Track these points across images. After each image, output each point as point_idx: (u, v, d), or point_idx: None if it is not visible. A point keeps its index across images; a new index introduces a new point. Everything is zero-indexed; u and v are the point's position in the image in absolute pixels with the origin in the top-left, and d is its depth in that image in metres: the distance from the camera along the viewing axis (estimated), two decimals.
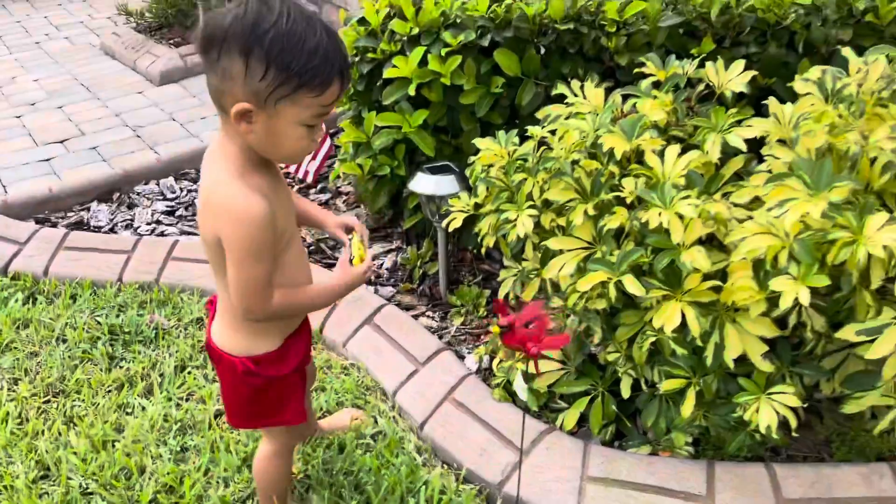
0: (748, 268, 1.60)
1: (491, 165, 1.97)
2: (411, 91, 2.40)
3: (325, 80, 1.24)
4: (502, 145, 1.98)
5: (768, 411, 1.66)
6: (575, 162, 1.88)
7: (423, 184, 2.37)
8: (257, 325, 1.53)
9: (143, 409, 2.25)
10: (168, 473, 2.01)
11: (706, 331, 1.69)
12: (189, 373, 2.38)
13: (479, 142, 2.01)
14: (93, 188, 3.35)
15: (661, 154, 1.82)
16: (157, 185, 3.43)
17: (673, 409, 1.90)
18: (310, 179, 3.10)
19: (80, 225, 3.18)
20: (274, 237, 1.36)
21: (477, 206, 2.06)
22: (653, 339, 1.72)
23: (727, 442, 1.89)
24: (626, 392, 1.90)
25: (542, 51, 2.33)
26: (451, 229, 2.08)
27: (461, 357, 2.33)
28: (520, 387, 1.72)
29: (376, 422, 2.16)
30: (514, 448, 1.97)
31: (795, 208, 1.45)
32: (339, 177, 2.99)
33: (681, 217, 1.66)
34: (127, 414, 2.24)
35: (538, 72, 2.34)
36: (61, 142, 4.07)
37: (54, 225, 3.18)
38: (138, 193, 3.38)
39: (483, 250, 2.14)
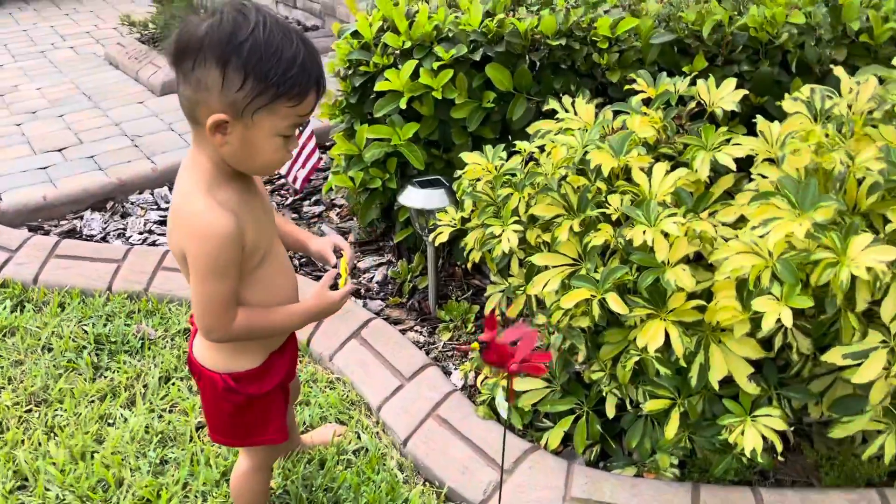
0: (732, 287, 1.58)
1: (478, 180, 1.95)
2: (402, 104, 2.39)
3: (302, 89, 1.23)
4: (489, 160, 1.97)
5: (753, 434, 1.63)
6: (563, 178, 1.86)
7: (413, 197, 2.35)
8: (238, 344, 1.51)
9: (125, 420, 2.23)
10: (146, 486, 1.98)
11: (691, 351, 1.67)
12: (173, 384, 2.36)
13: (465, 156, 2.00)
14: (88, 196, 3.35)
15: (650, 172, 1.80)
16: (152, 194, 3.42)
17: (658, 430, 1.87)
18: (298, 185, 3.09)
19: (72, 233, 3.18)
20: (240, 254, 1.34)
21: (464, 220, 2.04)
22: (636, 358, 1.69)
23: (713, 464, 1.85)
24: (610, 412, 1.87)
25: (535, 66, 2.31)
26: (437, 243, 2.06)
27: (448, 373, 2.31)
28: (501, 405, 1.69)
29: (359, 437, 2.13)
30: (497, 466, 1.94)
31: (779, 228, 1.43)
32: (332, 189, 2.97)
33: (666, 235, 1.64)
34: (109, 425, 2.22)
35: (530, 87, 2.33)
36: (60, 150, 4.07)
37: (47, 233, 3.17)
38: (132, 203, 3.37)
39: (470, 265, 2.12)
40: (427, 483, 1.98)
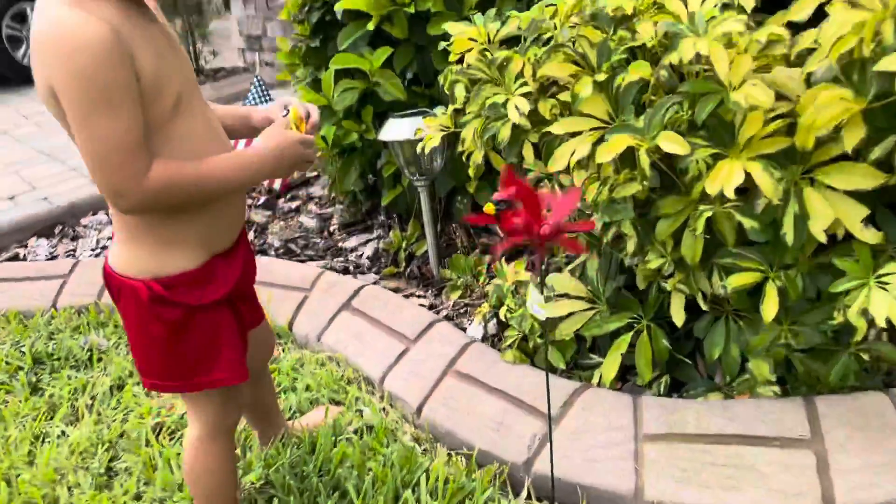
0: (828, 90, 1.16)
1: (468, 51, 1.56)
2: (371, 27, 2.02)
3: None
4: (480, 27, 1.58)
5: (882, 299, 1.19)
6: (573, 28, 1.47)
7: (396, 130, 1.96)
8: (166, 233, 1.09)
9: (66, 435, 1.76)
10: (87, 503, 1.51)
11: (779, 202, 1.24)
12: (127, 390, 1.90)
13: (450, 25, 1.61)
14: (34, 223, 2.95)
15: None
16: (107, 213, 3.02)
17: (746, 332, 1.42)
18: (277, 185, 2.72)
19: (14, 260, 2.76)
20: (130, 79, 0.95)
21: (457, 116, 1.64)
22: (708, 213, 1.26)
23: (826, 371, 1.39)
24: (678, 317, 1.43)
25: None
26: (427, 150, 1.65)
27: (462, 329, 1.86)
28: (535, 302, 1.25)
29: (361, 415, 1.67)
30: (539, 415, 1.48)
31: None
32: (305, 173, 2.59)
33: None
34: (44, 443, 1.75)
35: None
36: (10, 198, 3.69)
37: None
38: (84, 226, 2.96)
39: (474, 183, 1.70)
40: (452, 452, 1.51)
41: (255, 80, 3.07)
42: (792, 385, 1.45)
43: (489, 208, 1.13)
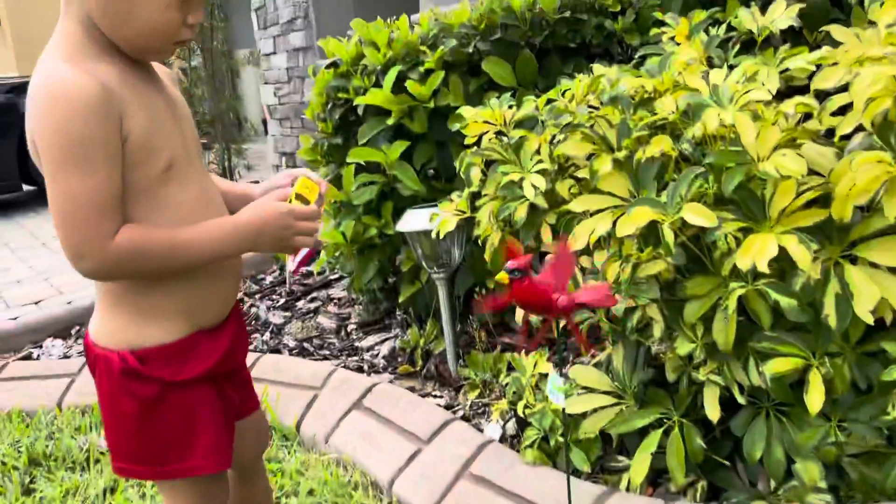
0: (866, 165, 1.08)
1: (485, 133, 1.52)
2: (390, 122, 2.02)
3: None
4: (496, 111, 1.55)
5: None
6: (591, 111, 1.43)
7: (413, 221, 1.91)
8: (145, 303, 1.02)
9: None
10: None
11: (817, 280, 1.14)
12: (118, 493, 1.78)
13: (464, 110, 1.58)
14: (50, 324, 2.92)
15: (706, 79, 1.37)
16: None
17: (790, 429, 1.27)
18: (291, 268, 2.66)
19: (27, 359, 2.70)
20: (114, 137, 0.91)
21: (473, 201, 1.58)
22: (740, 292, 1.15)
23: (881, 479, 1.23)
24: (713, 413, 1.29)
25: (539, 55, 1.97)
26: (442, 235, 1.59)
27: (480, 430, 1.72)
28: (554, 388, 1.14)
29: None
30: None
31: None
32: (323, 271, 2.55)
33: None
34: None
35: (535, 79, 1.97)
36: (36, 303, 3.70)
37: None
38: None
39: (489, 256, 1.62)
40: None
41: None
42: (845, 493, 1.29)
43: (502, 277, 1.05)
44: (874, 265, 1.14)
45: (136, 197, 0.96)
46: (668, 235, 1.17)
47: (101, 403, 1.06)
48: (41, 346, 2.81)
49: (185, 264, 0.99)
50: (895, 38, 1.02)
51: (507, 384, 1.67)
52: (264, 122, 7.03)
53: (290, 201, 1.05)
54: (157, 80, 1.04)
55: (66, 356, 2.71)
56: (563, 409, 1.22)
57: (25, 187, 6.75)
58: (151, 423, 1.03)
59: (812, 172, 1.21)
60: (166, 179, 0.99)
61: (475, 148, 1.55)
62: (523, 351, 1.74)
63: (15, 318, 3.14)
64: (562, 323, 1.16)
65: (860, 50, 1.09)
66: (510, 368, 1.92)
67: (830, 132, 1.26)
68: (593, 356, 1.68)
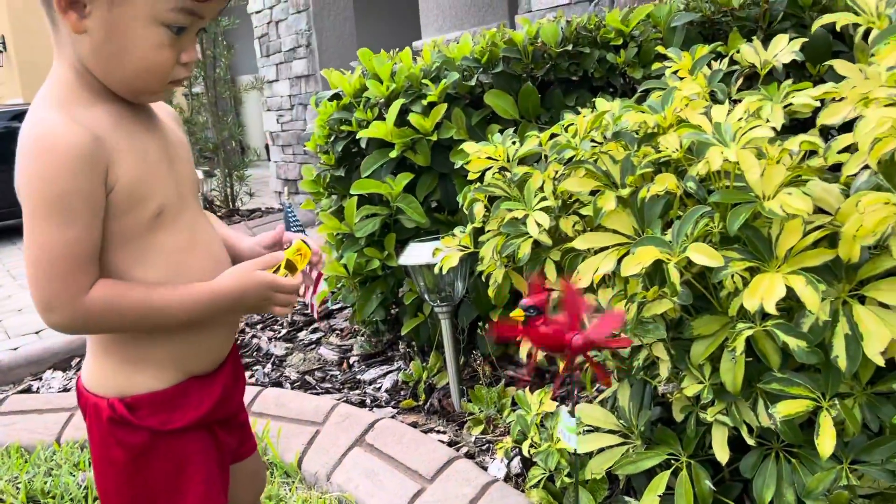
0: (873, 195, 1.07)
1: (488, 169, 1.52)
2: (394, 154, 2.02)
3: None
4: (499, 147, 1.54)
5: None
6: (595, 146, 1.43)
7: (416, 254, 1.90)
8: (136, 350, 1.00)
9: None
10: None
11: (826, 321, 1.12)
12: None
13: (467, 145, 1.57)
14: (50, 356, 2.90)
15: (708, 116, 1.36)
16: None
17: (800, 471, 1.25)
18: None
19: (27, 392, 2.68)
20: (97, 190, 0.89)
21: (476, 236, 1.57)
22: (747, 333, 1.14)
23: None
24: (721, 454, 1.27)
25: (542, 87, 1.97)
26: (444, 271, 1.57)
27: (484, 468, 1.70)
28: (565, 429, 1.12)
29: None
30: None
31: None
32: (326, 301, 2.53)
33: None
34: None
35: (538, 111, 1.97)
36: (36, 332, 3.69)
37: None
38: None
39: (492, 293, 1.61)
40: None
41: (285, 207, 3.07)
42: None
43: (517, 314, 1.04)
44: (884, 305, 1.12)
45: (124, 244, 0.95)
46: (674, 275, 1.15)
47: (91, 450, 1.04)
48: (41, 378, 2.79)
49: (158, 326, 0.97)
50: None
51: (511, 422, 1.65)
52: (267, 148, 7.06)
53: (278, 267, 1.02)
54: (153, 122, 1.02)
55: (65, 389, 2.69)
56: (574, 451, 1.20)
57: None
58: (141, 472, 1.01)
59: (819, 210, 1.20)
60: (156, 226, 0.97)
61: (478, 184, 1.54)
62: (527, 387, 1.71)
63: (15, 349, 3.13)
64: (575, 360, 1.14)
65: (866, 87, 1.09)
66: (514, 403, 1.90)
67: (836, 166, 1.25)
68: (599, 391, 1.66)
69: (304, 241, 1.09)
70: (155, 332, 0.98)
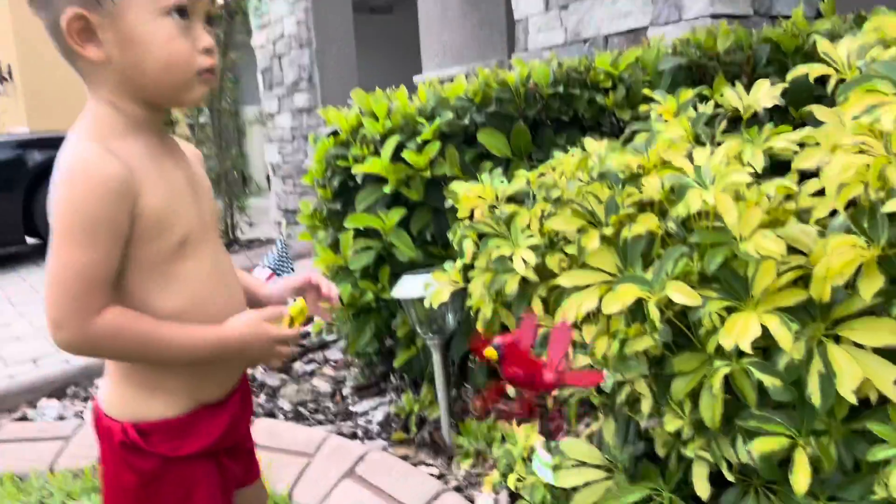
0: (841, 243, 1.11)
1: (475, 209, 1.56)
2: (388, 190, 2.07)
3: None
4: (487, 186, 1.58)
5: None
6: (581, 185, 1.47)
7: (408, 287, 1.93)
8: (151, 377, 1.04)
9: None
10: None
11: (801, 359, 1.16)
12: None
13: (457, 185, 1.62)
14: (46, 384, 2.92)
15: (690, 158, 1.41)
16: None
17: None
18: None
19: (23, 420, 2.70)
20: (123, 219, 0.94)
21: (466, 271, 1.61)
22: (725, 371, 1.17)
23: None
24: (702, 489, 1.29)
25: (533, 126, 2.02)
26: (435, 305, 1.61)
27: (471, 501, 1.72)
28: (541, 465, 1.15)
29: None
30: None
31: (893, 109, 1.01)
32: (321, 332, 2.56)
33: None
34: None
35: (529, 149, 2.02)
36: (34, 360, 3.71)
37: None
38: (97, 386, 2.92)
39: (481, 324, 1.64)
40: None
41: (278, 242, 3.12)
42: None
43: (490, 353, 1.08)
44: (858, 345, 1.15)
45: (147, 270, 0.99)
46: (654, 313, 1.19)
47: (102, 472, 1.07)
48: (36, 407, 2.81)
49: (161, 360, 1.01)
50: (863, 128, 1.06)
51: (498, 456, 1.67)
52: (268, 179, 7.13)
53: (283, 321, 1.07)
54: (180, 156, 1.08)
55: (60, 417, 2.71)
56: (552, 484, 1.22)
57: (29, 240, 6.81)
58: (150, 497, 1.04)
59: (796, 251, 1.24)
60: (180, 254, 1.02)
61: (468, 221, 1.59)
62: (514, 421, 1.74)
63: (12, 377, 3.15)
64: (551, 395, 1.17)
65: (835, 135, 1.13)
66: (504, 437, 1.92)
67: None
68: (587, 425, 1.69)
69: (318, 284, 1.14)
70: (158, 364, 1.02)
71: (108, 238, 0.93)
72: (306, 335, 2.89)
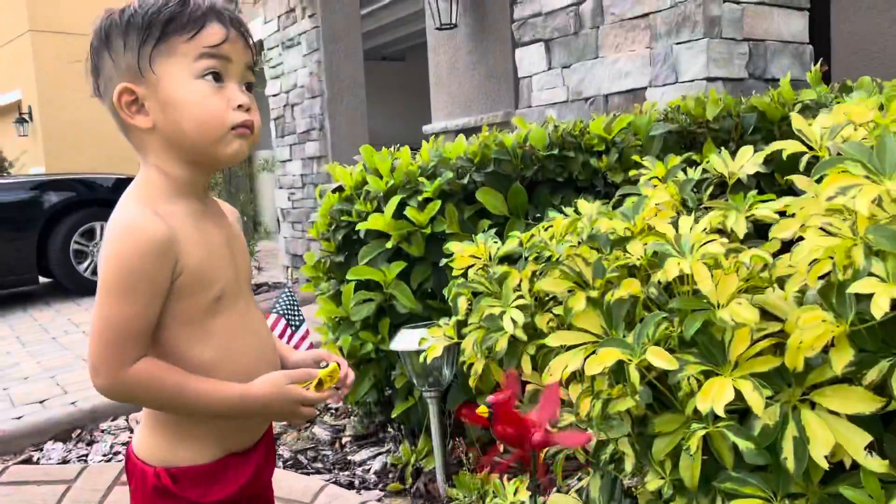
0: (812, 313, 1.16)
1: (469, 268, 1.62)
2: (389, 245, 2.14)
3: (192, 13, 1.02)
4: (481, 246, 1.65)
5: None
6: (571, 248, 1.54)
7: (406, 340, 1.99)
8: (184, 424, 1.10)
9: None
10: None
11: (777, 421, 1.20)
12: None
13: (452, 245, 1.69)
14: (51, 426, 2.97)
15: (675, 226, 1.48)
16: (127, 420, 3.04)
17: None
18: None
19: (27, 463, 2.74)
20: (164, 276, 1.02)
21: (460, 327, 1.67)
22: (702, 433, 1.21)
23: None
24: None
25: (530, 186, 2.10)
26: (429, 360, 1.67)
27: None
28: None
29: None
30: None
31: (865, 192, 1.07)
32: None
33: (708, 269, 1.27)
34: None
35: (526, 208, 2.09)
36: (41, 402, 3.76)
37: None
38: (102, 430, 2.97)
39: (474, 381, 1.69)
40: None
41: (286, 291, 3.18)
42: None
43: (482, 410, 1.13)
44: (833, 412, 1.20)
45: (184, 324, 1.06)
46: (634, 376, 1.24)
47: None
48: (41, 449, 2.85)
49: (187, 410, 1.07)
50: (834, 208, 1.12)
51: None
52: (278, 223, 7.24)
53: (309, 384, 1.10)
54: (221, 218, 1.16)
55: (64, 461, 2.76)
56: None
57: (42, 280, 6.92)
58: None
59: (774, 318, 1.29)
60: (215, 309, 1.08)
61: (462, 279, 1.65)
62: (504, 476, 1.78)
63: (19, 418, 3.20)
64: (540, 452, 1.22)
65: (806, 213, 1.20)
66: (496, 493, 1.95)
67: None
68: (580, 479, 1.73)
69: (333, 366, 1.19)
70: (186, 414, 1.08)
71: (148, 294, 1.01)
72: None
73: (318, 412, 1.08)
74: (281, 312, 3.00)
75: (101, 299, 1.00)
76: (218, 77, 1.04)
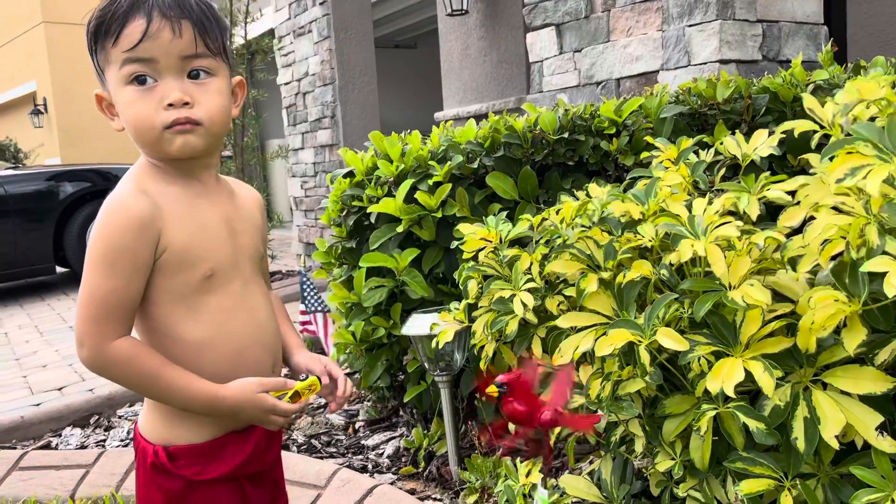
0: (825, 293, 1.16)
1: (480, 250, 1.63)
2: (400, 229, 2.14)
3: (115, 16, 1.03)
4: (493, 227, 1.65)
5: None
6: (582, 230, 1.53)
7: (418, 325, 2.00)
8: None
9: None
10: None
11: (787, 402, 1.20)
12: None
13: (463, 227, 1.69)
14: (70, 413, 3.01)
15: (689, 208, 1.47)
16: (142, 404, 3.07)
17: None
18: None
19: (46, 448, 2.78)
20: (147, 251, 1.04)
21: (471, 311, 1.67)
22: (712, 413, 1.21)
23: None
24: None
25: (540, 170, 2.09)
26: (441, 345, 1.67)
27: None
28: (540, 501, 1.20)
29: None
30: None
31: (876, 172, 1.06)
32: (337, 361, 2.61)
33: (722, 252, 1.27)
34: None
35: (536, 192, 2.08)
36: (59, 389, 3.81)
37: (14, 448, 2.78)
38: (120, 416, 3.01)
39: (484, 364, 1.70)
40: None
41: (301, 278, 3.17)
42: None
43: (492, 390, 1.14)
44: (845, 392, 1.19)
45: (173, 300, 1.08)
46: (644, 357, 1.24)
47: (136, 489, 1.16)
48: (60, 435, 2.89)
49: (159, 398, 1.09)
50: (844, 189, 1.11)
51: (499, 491, 1.71)
52: (291, 211, 7.26)
53: (283, 394, 1.10)
54: (223, 198, 1.17)
55: (83, 446, 2.79)
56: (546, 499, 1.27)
57: (59, 270, 6.99)
58: None
59: (786, 299, 1.29)
60: (206, 288, 1.10)
61: (473, 262, 1.65)
62: (518, 457, 1.78)
63: (38, 405, 3.24)
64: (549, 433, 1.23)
65: (817, 195, 1.19)
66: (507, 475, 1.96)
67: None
68: (591, 462, 1.73)
69: (331, 371, 1.20)
70: (157, 400, 1.09)
71: (129, 269, 1.03)
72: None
73: (292, 421, 1.08)
74: (313, 310, 2.95)
75: (85, 274, 1.03)
76: (143, 80, 1.05)
